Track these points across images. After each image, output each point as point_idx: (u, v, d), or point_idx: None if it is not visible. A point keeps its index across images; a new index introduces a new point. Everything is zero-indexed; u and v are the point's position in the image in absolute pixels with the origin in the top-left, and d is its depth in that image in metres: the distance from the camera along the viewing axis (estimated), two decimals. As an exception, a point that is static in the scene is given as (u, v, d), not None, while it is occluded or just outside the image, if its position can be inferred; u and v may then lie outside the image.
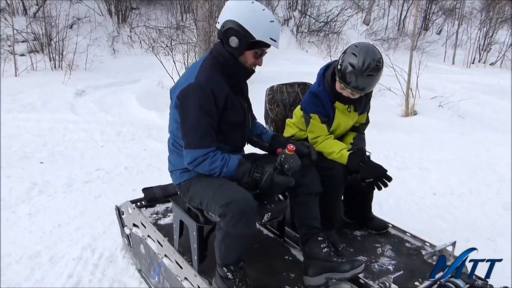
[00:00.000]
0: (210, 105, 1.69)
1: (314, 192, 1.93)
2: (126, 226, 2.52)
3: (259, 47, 1.74)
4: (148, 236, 2.27)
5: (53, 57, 8.76)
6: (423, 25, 14.47)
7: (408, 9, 14.72)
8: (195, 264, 1.92)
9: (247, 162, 1.73)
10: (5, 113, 5.83)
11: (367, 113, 2.39)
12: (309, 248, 1.88)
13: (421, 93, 7.44)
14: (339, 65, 2.04)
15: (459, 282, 1.77)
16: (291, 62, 10.99)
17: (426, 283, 1.84)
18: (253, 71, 1.83)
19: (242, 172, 1.70)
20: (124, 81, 7.97)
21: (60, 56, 8.77)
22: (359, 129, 2.37)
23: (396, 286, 1.77)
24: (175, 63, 7.00)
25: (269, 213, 1.79)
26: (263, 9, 1.72)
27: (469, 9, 14.49)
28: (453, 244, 2.05)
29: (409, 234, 2.31)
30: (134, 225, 2.43)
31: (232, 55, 1.74)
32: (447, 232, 3.08)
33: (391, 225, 2.40)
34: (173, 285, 2.05)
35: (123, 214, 2.53)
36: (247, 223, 1.61)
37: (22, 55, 8.73)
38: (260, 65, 1.81)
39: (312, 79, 7.34)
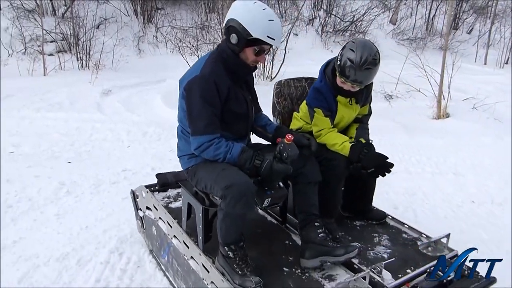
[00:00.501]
0: (213, 96, 1.82)
1: (313, 181, 2.04)
2: (140, 209, 2.65)
3: (258, 45, 1.83)
4: (160, 218, 2.40)
5: (80, 56, 8.90)
6: (453, 24, 14.03)
7: (437, 8, 14.33)
8: (200, 244, 2.07)
9: (249, 150, 1.85)
10: (34, 112, 5.92)
11: (369, 104, 2.48)
12: (306, 232, 2.01)
13: (453, 95, 7.16)
14: (338, 61, 2.15)
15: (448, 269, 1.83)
16: (315, 62, 10.68)
17: (417, 271, 1.92)
18: (255, 68, 1.95)
19: (244, 158, 1.82)
20: (149, 81, 8.01)
21: (87, 55, 8.90)
22: (362, 120, 2.45)
23: (388, 272, 1.88)
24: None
25: (269, 199, 1.88)
26: (264, 9, 1.80)
27: (502, 7, 13.95)
28: (447, 236, 2.12)
29: (406, 226, 2.38)
30: (147, 208, 2.55)
31: (233, 52, 1.85)
32: (490, 243, 2.90)
33: (390, 217, 2.46)
34: (180, 264, 2.18)
35: (137, 198, 2.67)
36: (245, 204, 1.73)
37: (51, 54, 8.91)
38: (262, 62, 1.93)
39: None
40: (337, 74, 2.17)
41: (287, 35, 8.67)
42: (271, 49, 1.94)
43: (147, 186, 2.63)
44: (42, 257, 2.56)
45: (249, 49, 1.84)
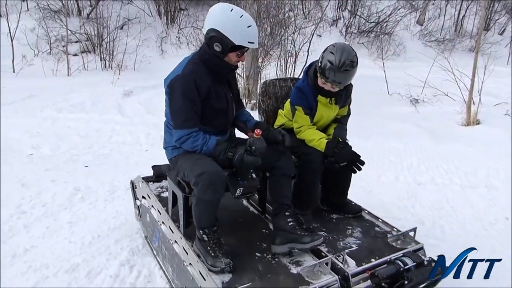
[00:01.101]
0: (193, 93, 1.98)
1: (287, 174, 2.20)
2: (138, 198, 2.85)
3: (240, 49, 2.00)
4: (152, 206, 2.59)
5: (103, 57, 8.95)
6: (484, 25, 13.48)
7: (467, 8, 13.81)
8: (182, 229, 2.25)
9: (224, 143, 2.01)
10: (56, 112, 5.96)
11: (349, 106, 2.63)
12: (277, 220, 2.15)
13: (483, 100, 6.83)
14: (319, 63, 2.33)
15: (406, 259, 1.98)
16: (340, 64, 10.59)
17: (380, 260, 2.04)
18: (236, 67, 2.14)
19: (219, 150, 1.99)
20: (171, 82, 7.95)
21: (111, 56, 8.95)
22: (340, 121, 2.58)
23: (352, 260, 2.02)
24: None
25: (241, 188, 2.04)
26: (241, 16, 1.94)
27: (538, 8, 13.33)
28: (414, 230, 2.24)
29: (380, 220, 2.49)
30: (143, 197, 2.75)
31: (217, 56, 2.02)
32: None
33: (366, 211, 2.59)
34: (167, 248, 2.33)
35: (135, 188, 2.86)
36: (215, 191, 1.91)
37: (75, 55, 9.00)
38: (243, 61, 2.17)
39: (363, 83, 6.91)
40: (318, 75, 2.35)
41: (310, 36, 8.47)
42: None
43: (144, 177, 2.84)
44: (52, 267, 2.51)
45: (232, 54, 2.02)
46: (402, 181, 4.19)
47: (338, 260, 2.02)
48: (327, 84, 2.33)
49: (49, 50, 8.90)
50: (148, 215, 2.64)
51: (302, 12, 11.72)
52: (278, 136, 2.14)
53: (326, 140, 2.33)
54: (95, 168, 4.06)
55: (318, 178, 2.43)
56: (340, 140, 2.37)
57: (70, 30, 8.80)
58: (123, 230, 2.95)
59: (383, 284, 1.87)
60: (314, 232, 2.22)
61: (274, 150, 2.14)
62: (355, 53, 2.29)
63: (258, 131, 1.98)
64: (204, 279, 1.90)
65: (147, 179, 2.86)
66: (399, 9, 13.02)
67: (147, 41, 10.02)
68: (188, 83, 1.98)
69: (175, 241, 2.23)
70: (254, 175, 2.11)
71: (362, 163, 2.34)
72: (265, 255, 2.12)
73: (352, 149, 2.36)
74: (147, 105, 6.62)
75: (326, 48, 2.34)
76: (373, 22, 12.67)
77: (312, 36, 8.74)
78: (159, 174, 2.89)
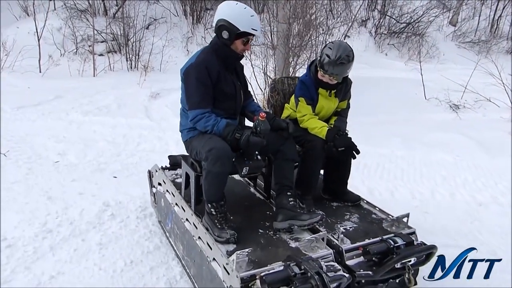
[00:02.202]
0: (205, 78, 2.23)
1: (290, 158, 2.39)
2: (154, 186, 3.03)
3: (245, 36, 2.26)
4: (166, 190, 2.78)
5: (129, 57, 8.76)
6: (523, 26, 12.83)
7: (503, 8, 13.14)
8: (192, 206, 2.44)
9: (233, 125, 2.23)
10: (82, 115, 5.76)
11: (348, 100, 2.85)
12: (279, 199, 2.34)
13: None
14: (319, 58, 2.59)
15: (397, 239, 2.10)
16: (370, 66, 10.16)
17: (373, 240, 2.18)
18: (243, 56, 2.37)
19: (227, 131, 2.19)
20: (198, 84, 7.68)
21: (136, 56, 8.74)
22: (340, 113, 2.81)
23: (347, 239, 2.18)
24: (253, 68, 6.53)
25: (247, 168, 2.24)
26: (245, 8, 2.24)
27: None
28: (407, 215, 2.36)
29: (377, 209, 2.62)
30: (159, 183, 2.94)
31: (225, 45, 2.27)
32: None
33: (365, 201, 2.72)
34: (179, 227, 2.51)
35: (152, 177, 3.06)
36: (222, 164, 2.12)
37: (101, 55, 8.84)
38: (248, 50, 2.39)
39: (396, 87, 6.55)
40: (318, 68, 2.58)
41: (342, 37, 8.10)
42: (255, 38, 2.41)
43: (161, 167, 3.02)
44: (81, 301, 2.22)
45: (238, 41, 2.27)
46: (459, 200, 3.80)
47: (333, 237, 2.19)
48: (326, 76, 2.56)
49: (75, 50, 8.76)
50: (162, 199, 2.84)
51: (331, 12, 11.33)
52: (282, 124, 2.35)
53: (327, 128, 2.55)
54: (124, 180, 3.78)
55: (319, 164, 2.61)
56: (341, 131, 2.58)
57: (96, 30, 8.63)
58: (158, 256, 2.65)
59: (374, 259, 2.03)
60: (313, 212, 2.34)
61: (279, 136, 2.35)
62: (351, 49, 2.54)
63: (263, 114, 2.19)
64: (211, 249, 2.07)
65: (163, 168, 3.04)
66: (432, 9, 12.45)
67: (173, 41, 9.78)
68: (201, 70, 2.24)
69: (187, 219, 2.41)
70: (259, 157, 2.31)
71: (358, 151, 2.53)
72: (267, 231, 2.29)
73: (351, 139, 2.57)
74: (174, 108, 6.31)
75: (326, 45, 2.62)
76: (404, 22, 12.13)
77: (344, 37, 8.37)
78: (174, 163, 3.06)
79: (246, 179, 2.93)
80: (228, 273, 1.86)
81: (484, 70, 6.95)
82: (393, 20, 12.22)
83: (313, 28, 7.69)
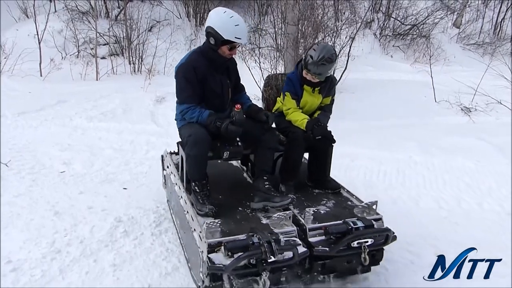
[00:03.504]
0: (192, 77, 2.49)
1: (270, 147, 2.66)
2: (164, 169, 3.32)
3: (229, 43, 2.48)
4: (171, 172, 3.07)
5: (132, 60, 8.54)
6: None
7: (506, 10, 13.00)
8: (184, 184, 2.74)
9: (215, 115, 2.48)
10: (86, 121, 5.56)
11: (332, 96, 3.09)
12: (257, 183, 2.60)
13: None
14: (304, 57, 2.84)
15: (358, 221, 2.32)
16: (376, 69, 10.00)
17: (335, 221, 2.36)
18: (229, 58, 2.61)
19: (210, 120, 2.45)
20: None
21: (140, 60, 8.53)
22: (324, 108, 3.05)
23: (314, 219, 2.37)
24: (262, 71, 6.33)
25: (228, 152, 2.57)
26: (231, 17, 2.43)
27: None
28: (375, 203, 2.52)
29: (355, 197, 2.79)
30: (167, 166, 3.23)
31: (213, 49, 2.52)
32: None
33: (346, 190, 2.90)
34: (177, 204, 2.82)
35: (163, 160, 3.37)
36: (199, 148, 2.42)
37: (103, 58, 8.63)
38: (234, 54, 2.59)
39: (404, 89, 6.45)
40: (303, 67, 2.82)
41: (349, 39, 7.92)
42: (241, 45, 2.66)
43: (170, 152, 3.35)
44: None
45: (224, 47, 2.50)
46: (487, 209, 3.61)
47: (301, 217, 2.41)
48: (309, 75, 2.80)
49: (77, 53, 8.55)
50: (169, 180, 3.09)
51: (336, 14, 11.15)
52: (263, 117, 2.61)
53: (307, 120, 2.80)
54: (134, 191, 3.57)
55: (300, 153, 2.86)
56: (320, 122, 2.83)
57: (98, 33, 8.42)
58: (178, 278, 2.44)
59: (332, 237, 2.26)
60: (294, 201, 2.54)
61: (261, 127, 2.62)
62: (334, 51, 2.82)
63: (238, 105, 2.46)
64: (193, 220, 2.36)
65: (171, 153, 3.34)
66: (437, 11, 12.30)
67: (177, 44, 9.57)
68: (189, 70, 2.50)
69: (181, 196, 2.68)
70: (239, 143, 2.62)
71: (334, 141, 2.84)
72: (246, 209, 2.54)
73: (327, 129, 2.84)
74: (181, 113, 6.14)
75: (311, 46, 2.96)
76: (409, 24, 11.97)
77: (353, 40, 8.18)
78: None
79: (242, 166, 3.21)
80: (201, 240, 2.15)
81: (493, 72, 6.80)
82: (397, 22, 12.06)
83: (321, 30, 7.53)
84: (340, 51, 7.63)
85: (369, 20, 12.27)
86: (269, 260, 1.99)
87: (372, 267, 2.45)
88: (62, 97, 6.43)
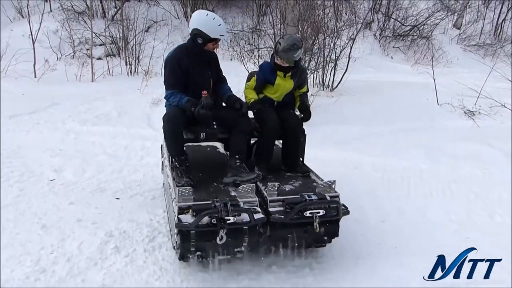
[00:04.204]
0: (176, 68, 2.90)
1: (243, 131, 2.98)
2: (163, 156, 3.49)
3: (214, 40, 2.90)
4: (166, 157, 3.26)
5: (129, 61, 8.36)
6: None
7: (507, 11, 12.88)
8: (170, 163, 3.00)
9: (191, 101, 2.78)
10: (80, 125, 5.39)
11: (306, 85, 3.49)
12: (229, 161, 2.92)
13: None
14: (275, 46, 3.23)
15: (312, 195, 2.61)
16: (376, 70, 9.85)
17: (294, 196, 2.65)
18: (213, 52, 3.07)
19: (187, 105, 2.77)
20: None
21: (137, 60, 8.35)
22: (302, 97, 3.41)
23: (276, 193, 2.63)
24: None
25: (204, 133, 2.96)
26: (214, 18, 2.86)
27: None
28: (334, 182, 2.75)
29: (321, 179, 2.98)
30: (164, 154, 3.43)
31: (200, 47, 2.91)
32: None
33: (314, 173, 3.14)
34: (166, 183, 3.13)
35: (162, 148, 3.52)
36: (172, 125, 2.79)
37: (99, 58, 8.46)
38: (217, 48, 3.02)
39: (406, 91, 6.32)
40: (275, 54, 3.17)
41: (349, 41, 7.77)
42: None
43: None
44: None
45: (210, 44, 2.89)
46: (500, 222, 3.43)
47: (264, 191, 2.66)
48: (279, 60, 3.12)
49: (73, 54, 8.37)
50: (165, 167, 3.28)
51: (335, 14, 10.99)
52: (237, 105, 2.98)
53: (253, 100, 3.19)
54: (127, 202, 3.39)
55: (272, 138, 3.14)
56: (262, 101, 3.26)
57: (94, 33, 8.23)
58: (171, 301, 2.25)
59: (287, 207, 2.53)
60: (265, 179, 2.85)
61: (236, 113, 2.96)
62: (300, 40, 3.22)
63: (205, 92, 2.74)
64: (171, 190, 2.67)
65: None
66: (438, 11, 12.17)
67: (174, 45, 9.31)
68: (174, 62, 2.89)
69: (168, 176, 2.97)
70: (215, 126, 2.98)
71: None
72: (219, 184, 2.82)
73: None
74: (178, 116, 5.96)
75: (281, 37, 3.39)
76: (409, 25, 11.83)
77: (354, 41, 8.03)
78: None
79: (226, 152, 3.37)
80: (174, 205, 2.44)
81: (494, 74, 6.64)
82: (398, 22, 11.92)
83: (322, 31, 7.37)
84: (340, 52, 7.47)
85: (369, 21, 12.13)
86: (228, 222, 2.31)
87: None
88: (56, 99, 6.27)
